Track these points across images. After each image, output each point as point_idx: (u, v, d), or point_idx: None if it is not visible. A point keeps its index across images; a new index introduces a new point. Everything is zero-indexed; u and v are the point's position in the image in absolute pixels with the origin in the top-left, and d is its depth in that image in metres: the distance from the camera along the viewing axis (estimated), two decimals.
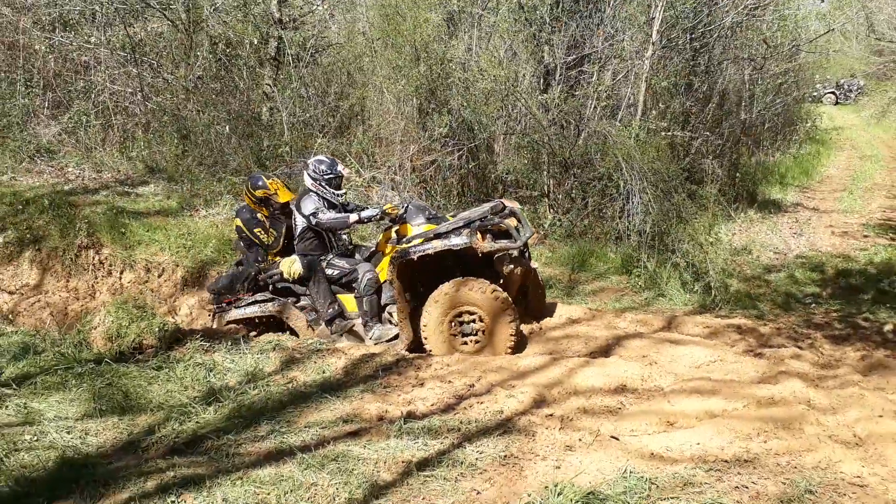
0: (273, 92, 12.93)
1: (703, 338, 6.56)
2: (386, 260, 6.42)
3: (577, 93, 10.72)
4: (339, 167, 6.62)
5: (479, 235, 6.07)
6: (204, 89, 13.01)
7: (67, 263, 8.74)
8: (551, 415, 4.78)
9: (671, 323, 6.90)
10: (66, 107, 13.41)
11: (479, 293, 6.01)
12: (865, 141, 25.83)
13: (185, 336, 5.90)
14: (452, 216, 6.53)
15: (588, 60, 10.64)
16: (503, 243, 6.11)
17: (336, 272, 6.59)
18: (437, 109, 9.51)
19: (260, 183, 6.84)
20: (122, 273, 8.76)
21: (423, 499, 3.75)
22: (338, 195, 6.64)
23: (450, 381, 5.28)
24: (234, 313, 6.75)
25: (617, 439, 4.41)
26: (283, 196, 6.86)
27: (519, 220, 6.51)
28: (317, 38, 14.01)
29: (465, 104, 9.44)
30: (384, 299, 6.54)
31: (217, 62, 13.29)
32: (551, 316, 6.97)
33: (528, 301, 6.90)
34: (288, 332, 6.65)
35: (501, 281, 6.35)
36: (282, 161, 12.04)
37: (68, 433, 4.43)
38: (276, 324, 6.80)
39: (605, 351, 6.09)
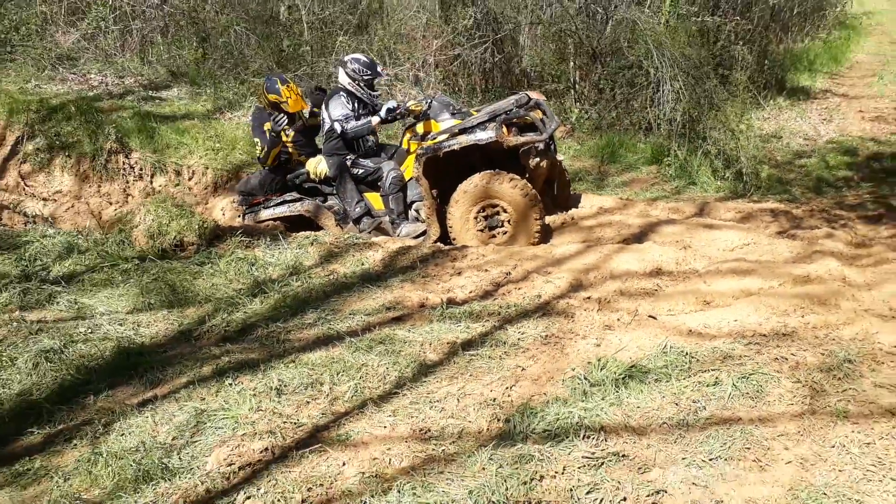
0: None
1: (735, 222, 6.57)
2: (411, 158, 6.43)
3: None
4: (380, 67, 6.57)
5: (504, 129, 6.04)
6: None
7: (98, 169, 8.81)
8: (589, 297, 4.86)
9: (703, 209, 6.91)
10: (82, 13, 13.25)
11: (509, 187, 6.01)
12: None
13: (225, 233, 6.00)
14: (477, 111, 6.44)
15: None
16: (529, 136, 6.09)
17: (361, 171, 6.60)
18: (460, 1, 9.26)
19: (276, 87, 6.72)
20: (152, 177, 8.83)
21: (471, 375, 3.88)
22: (374, 96, 6.60)
23: (486, 270, 5.37)
24: (265, 213, 6.82)
25: (655, 318, 4.50)
26: (294, 106, 6.71)
27: (544, 113, 6.47)
28: None
29: None
30: (410, 196, 6.56)
31: None
32: (582, 206, 6.99)
33: (555, 193, 6.91)
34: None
35: (527, 174, 6.34)
36: (302, 61, 11.89)
37: (121, 325, 4.59)
38: (304, 223, 6.85)
39: (638, 238, 6.13)
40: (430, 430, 3.36)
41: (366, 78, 6.52)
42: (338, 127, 6.41)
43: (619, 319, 4.47)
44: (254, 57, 12.00)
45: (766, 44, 13.06)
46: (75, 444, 3.39)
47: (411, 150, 6.50)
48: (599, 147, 8.63)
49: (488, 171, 6.10)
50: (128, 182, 8.83)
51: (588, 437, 3.25)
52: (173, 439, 3.36)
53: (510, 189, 6.02)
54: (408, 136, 6.64)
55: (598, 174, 8.22)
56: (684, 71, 8.38)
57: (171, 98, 10.39)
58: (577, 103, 10.40)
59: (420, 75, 10.88)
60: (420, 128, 6.47)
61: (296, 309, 4.82)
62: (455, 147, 6.02)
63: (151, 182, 8.83)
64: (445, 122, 6.29)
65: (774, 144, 9.71)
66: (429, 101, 6.46)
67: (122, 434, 3.40)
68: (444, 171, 6.32)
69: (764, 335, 4.10)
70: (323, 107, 6.62)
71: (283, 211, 6.78)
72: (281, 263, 5.59)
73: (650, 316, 4.53)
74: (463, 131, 6.05)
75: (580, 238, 6.30)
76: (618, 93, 9.47)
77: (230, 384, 3.83)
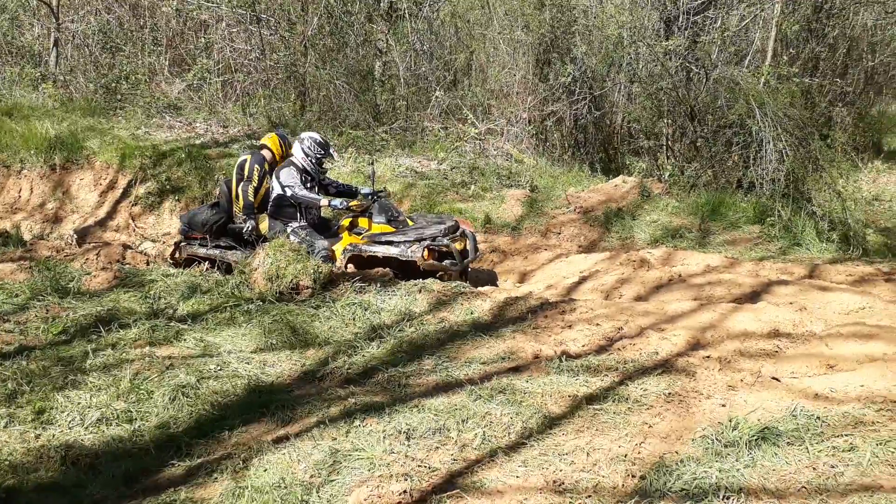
0: (385, 47, 13.08)
1: (848, 285, 6.41)
2: (342, 242, 6.98)
3: (700, 39, 10.44)
4: (332, 150, 7.24)
5: (426, 253, 6.66)
6: (320, 46, 13.27)
7: None
8: (708, 356, 4.79)
9: (814, 271, 6.76)
10: (186, 65, 13.95)
11: None
12: None
13: (338, 278, 6.15)
14: (412, 220, 7.08)
15: (714, 6, 10.32)
16: (446, 264, 6.72)
17: (297, 240, 6.89)
18: (559, 58, 9.42)
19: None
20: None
21: (597, 430, 3.86)
22: (321, 171, 7.19)
23: (598, 324, 5.35)
24: (200, 251, 7.20)
25: (778, 380, 4.41)
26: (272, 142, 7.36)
27: (468, 242, 7.01)
28: None
29: (590, 51, 9.32)
30: None
31: (330, 19, 13.50)
32: (687, 264, 6.94)
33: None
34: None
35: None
36: (397, 116, 12.23)
37: (248, 364, 4.73)
38: (225, 266, 7.15)
39: (750, 297, 6.02)
40: (563, 483, 3.35)
41: (318, 156, 7.07)
42: (288, 192, 6.91)
43: (742, 380, 4.40)
44: (351, 110, 12.41)
45: (864, 106, 12.85)
46: (216, 478, 3.49)
47: (341, 234, 7.08)
48: (699, 205, 8.57)
49: None
50: None
51: (727, 499, 3.19)
52: (311, 477, 3.43)
53: None
54: (345, 223, 7.14)
55: (699, 231, 8.16)
56: (787, 131, 8.31)
57: None
58: (670, 160, 10.38)
59: (513, 130, 11.05)
60: (358, 220, 7.04)
61: (413, 354, 4.89)
62: (378, 254, 6.74)
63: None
64: (380, 224, 6.89)
65: (877, 207, 9.49)
66: (373, 198, 7.02)
67: (262, 469, 3.49)
68: (364, 262, 6.87)
69: (895, 402, 3.98)
70: (273, 176, 7.09)
71: (213, 254, 7.16)
72: (393, 309, 5.69)
73: (773, 377, 4.45)
74: (390, 242, 6.74)
75: (690, 296, 6.23)
76: (715, 150, 9.43)
77: (359, 425, 3.90)
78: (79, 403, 4.08)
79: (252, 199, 7.09)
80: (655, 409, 4.10)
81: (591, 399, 4.18)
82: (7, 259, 6.40)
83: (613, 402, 4.17)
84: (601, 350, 4.98)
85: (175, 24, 14.36)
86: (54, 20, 13.22)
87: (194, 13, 13.97)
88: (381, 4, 13.36)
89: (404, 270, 6.73)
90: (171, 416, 4.04)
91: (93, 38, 13.78)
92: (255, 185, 7.10)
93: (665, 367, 4.65)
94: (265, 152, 7.31)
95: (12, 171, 10.14)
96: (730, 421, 3.79)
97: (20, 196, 9.97)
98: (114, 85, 12.70)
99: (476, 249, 7.18)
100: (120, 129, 11.14)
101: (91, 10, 14.24)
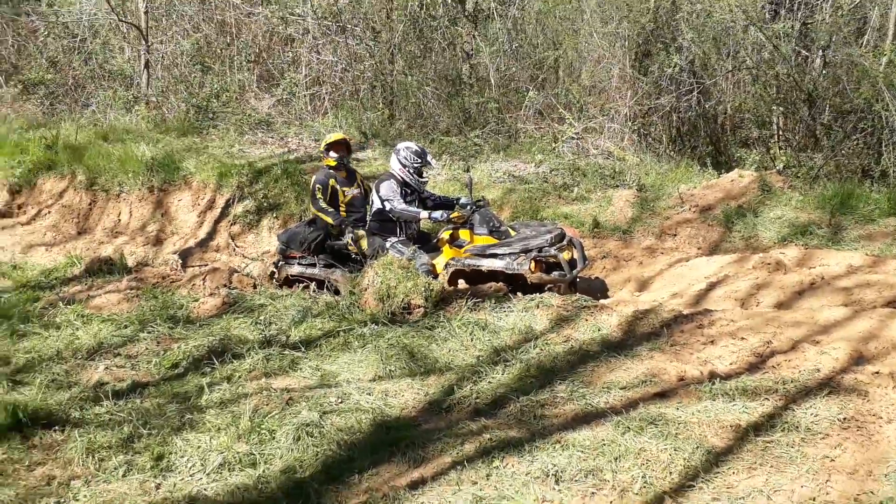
0: (472, 49, 12.73)
1: None
2: (443, 256, 6.75)
3: (810, 21, 9.72)
4: (429, 157, 6.94)
5: (532, 264, 6.30)
6: (406, 52, 13.04)
7: None
8: (877, 372, 4.24)
9: None
10: (274, 80, 13.95)
11: None
12: None
13: (451, 296, 5.83)
14: (514, 229, 6.75)
15: None
16: (555, 276, 6.37)
17: (396, 255, 6.56)
18: (664, 48, 8.85)
19: (326, 137, 7.14)
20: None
21: (771, 466, 3.40)
22: (422, 182, 6.91)
23: (743, 338, 4.85)
24: (296, 269, 7.03)
25: None
26: (336, 136, 7.14)
27: (575, 250, 6.69)
28: None
29: (697, 39, 8.71)
30: None
31: (414, 24, 13.25)
32: (826, 264, 6.34)
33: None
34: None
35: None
36: (488, 119, 11.86)
37: (369, 395, 4.43)
38: (329, 286, 6.96)
39: None
40: None
41: (415, 165, 6.81)
42: (387, 206, 6.71)
43: None
44: (441, 115, 12.11)
45: None
46: None
47: (443, 249, 6.82)
48: (826, 198, 7.87)
49: None
50: None
51: None
52: None
53: None
54: (445, 235, 6.83)
55: (830, 227, 7.47)
56: None
57: (369, 158, 10.57)
58: (784, 150, 9.67)
59: (614, 126, 10.53)
60: (458, 232, 6.74)
61: (543, 380, 4.51)
62: (483, 268, 6.44)
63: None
64: (482, 235, 6.60)
65: None
66: (473, 209, 6.69)
67: None
68: (467, 276, 6.62)
69: None
70: (374, 189, 6.92)
71: (314, 273, 6.99)
72: (512, 328, 5.32)
73: None
74: (494, 255, 6.42)
75: (838, 300, 5.66)
76: (838, 139, 8.70)
77: (499, 466, 3.54)
78: (198, 447, 3.85)
79: (329, 215, 6.91)
80: (833, 439, 3.61)
81: (756, 428, 3.71)
82: (113, 290, 6.31)
83: (783, 431, 3.69)
84: (752, 368, 4.48)
85: (262, 40, 14.39)
86: (144, 42, 13.41)
87: (280, 28, 13.96)
88: (466, 6, 13.03)
89: (510, 284, 6.38)
90: (296, 458, 3.76)
91: (182, 57, 13.92)
92: (319, 195, 6.92)
93: (830, 386, 4.13)
94: (325, 163, 7.15)
95: (111, 195, 10.23)
96: None
97: (119, 219, 10.03)
98: (205, 104, 12.76)
99: (584, 258, 6.78)
100: (214, 148, 11.14)
101: (179, 30, 14.41)
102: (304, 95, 13.14)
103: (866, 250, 6.88)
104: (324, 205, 6.89)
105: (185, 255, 8.78)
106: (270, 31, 14.10)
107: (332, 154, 7.03)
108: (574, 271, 6.48)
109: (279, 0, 13.68)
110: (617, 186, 9.01)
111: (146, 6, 13.33)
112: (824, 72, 9.00)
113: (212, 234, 9.58)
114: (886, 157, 7.94)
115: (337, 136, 7.16)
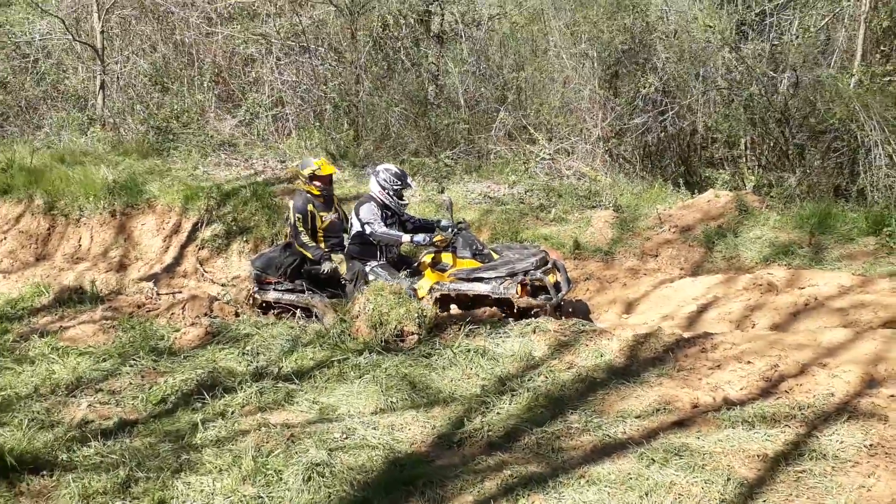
0: (437, 70, 12.63)
1: None
2: (424, 280, 6.56)
3: (777, 42, 9.85)
4: (409, 179, 6.82)
5: (519, 288, 6.15)
6: (371, 73, 12.88)
7: None
8: (893, 395, 4.20)
9: None
10: (235, 101, 13.64)
11: None
12: None
13: (444, 321, 5.65)
14: (496, 251, 6.63)
15: (792, 6, 9.74)
16: (541, 300, 6.21)
17: (375, 279, 6.47)
18: (639, 68, 8.86)
19: (309, 162, 6.88)
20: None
21: (808, 498, 3.30)
22: (402, 205, 6.77)
23: (749, 362, 4.78)
24: (272, 295, 6.83)
25: None
26: (327, 169, 6.88)
27: (559, 273, 6.57)
28: (473, 10, 13.55)
29: (672, 59, 8.72)
30: None
31: (376, 45, 13.10)
32: (815, 284, 6.34)
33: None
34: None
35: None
36: (458, 139, 11.74)
37: (375, 430, 4.22)
38: (304, 309, 6.79)
39: None
40: None
41: (395, 188, 6.65)
42: (367, 229, 6.54)
43: None
44: (409, 136, 11.96)
45: None
46: None
47: (424, 271, 6.65)
48: (803, 217, 7.92)
49: None
50: None
51: None
52: None
53: None
54: (427, 259, 6.67)
55: (811, 247, 7.51)
56: None
57: (339, 180, 10.31)
58: (752, 170, 9.76)
59: (585, 147, 10.51)
60: (441, 256, 6.57)
61: (553, 410, 4.36)
62: (468, 293, 6.29)
63: None
64: (465, 258, 6.45)
65: None
66: (454, 232, 6.53)
67: None
68: (455, 300, 6.47)
69: None
70: (353, 212, 6.75)
71: (290, 299, 6.80)
72: (512, 354, 5.16)
73: None
74: (479, 279, 6.25)
75: (834, 322, 5.64)
76: (812, 158, 8.79)
77: None
78: (201, 490, 3.59)
79: (310, 250, 6.65)
80: (863, 467, 3.53)
81: (784, 457, 3.61)
82: (87, 320, 5.97)
83: (812, 460, 3.61)
84: (765, 394, 4.41)
85: (222, 60, 14.06)
86: (99, 62, 12.99)
87: (241, 47, 13.67)
88: (431, 27, 12.93)
89: (495, 301, 6.24)
90: (309, 500, 3.52)
91: (139, 78, 13.54)
92: (301, 226, 6.64)
93: (848, 410, 4.08)
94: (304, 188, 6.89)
95: (71, 220, 9.78)
96: None
97: (80, 245, 9.59)
98: (165, 125, 12.38)
99: (569, 281, 6.69)
100: (178, 170, 10.78)
101: (135, 49, 14.02)
102: (267, 116, 12.87)
103: (851, 270, 6.91)
104: (305, 238, 6.60)
105: (152, 282, 8.42)
106: (231, 50, 13.81)
107: (317, 184, 6.77)
108: (559, 294, 6.36)
109: (241, 20, 13.43)
110: (594, 207, 8.96)
111: (102, 26, 12.92)
112: (794, 92, 9.10)
113: (178, 260, 9.21)
114: (864, 177, 8.03)
115: (328, 168, 6.89)
